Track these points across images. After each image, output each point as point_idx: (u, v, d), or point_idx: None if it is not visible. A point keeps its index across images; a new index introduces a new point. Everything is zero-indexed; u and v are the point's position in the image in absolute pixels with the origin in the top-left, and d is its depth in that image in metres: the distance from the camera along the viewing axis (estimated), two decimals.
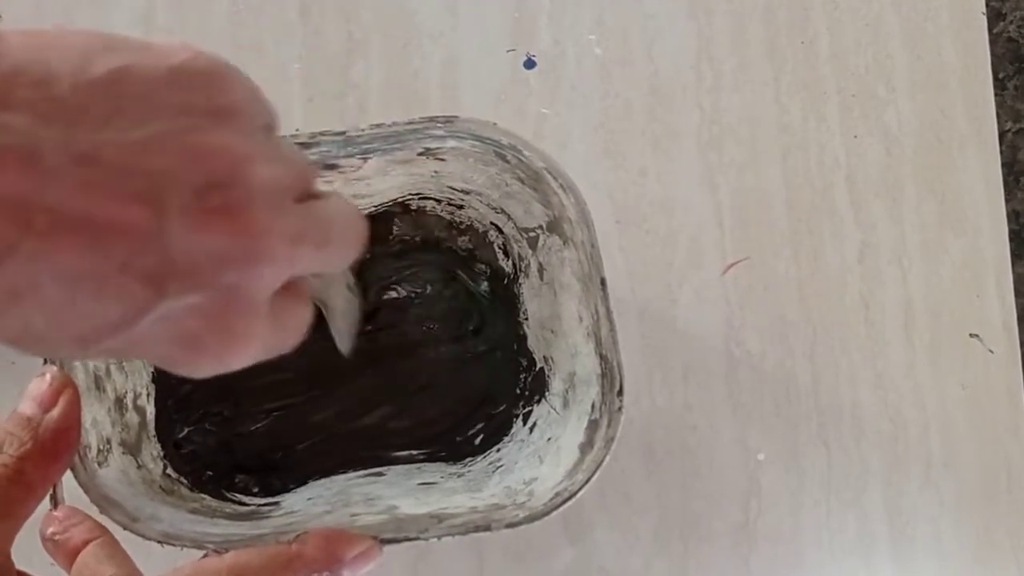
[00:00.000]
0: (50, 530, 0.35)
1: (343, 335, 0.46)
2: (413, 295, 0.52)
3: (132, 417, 0.45)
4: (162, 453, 0.48)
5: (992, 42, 0.58)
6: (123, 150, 0.22)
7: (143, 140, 0.23)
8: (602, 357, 0.40)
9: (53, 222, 0.21)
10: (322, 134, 0.39)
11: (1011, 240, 0.57)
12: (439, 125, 0.39)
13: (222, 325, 0.25)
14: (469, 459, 0.50)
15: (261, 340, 0.26)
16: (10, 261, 0.21)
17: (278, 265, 0.25)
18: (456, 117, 0.39)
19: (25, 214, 0.21)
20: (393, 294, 0.52)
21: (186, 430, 0.50)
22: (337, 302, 0.46)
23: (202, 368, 0.26)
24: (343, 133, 0.39)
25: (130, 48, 0.23)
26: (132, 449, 0.44)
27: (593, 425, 0.41)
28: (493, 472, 0.47)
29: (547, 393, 0.49)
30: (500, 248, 0.51)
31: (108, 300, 0.23)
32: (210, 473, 0.49)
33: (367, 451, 0.51)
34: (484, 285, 0.52)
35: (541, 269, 0.47)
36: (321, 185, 0.30)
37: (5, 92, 0.21)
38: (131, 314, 0.23)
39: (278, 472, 0.50)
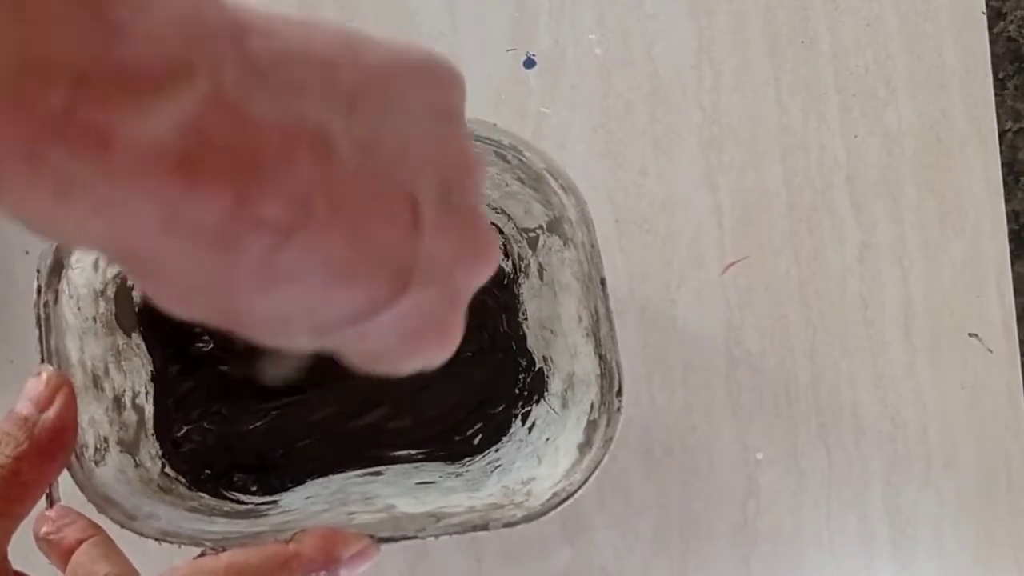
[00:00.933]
0: (44, 529, 0.35)
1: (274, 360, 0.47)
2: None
3: (130, 416, 0.45)
4: (160, 452, 0.48)
5: (992, 42, 0.58)
6: (394, 142, 0.23)
7: (408, 138, 0.23)
8: (601, 357, 0.40)
9: (333, 210, 0.21)
10: None
11: (1011, 240, 0.57)
12: None
13: (444, 321, 0.25)
14: (467, 459, 0.50)
15: (459, 341, 0.27)
16: (289, 243, 0.21)
17: (492, 269, 0.26)
18: None
19: (309, 199, 0.21)
20: None
21: (184, 429, 0.50)
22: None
23: (411, 363, 0.26)
24: None
25: (381, 43, 0.23)
26: (130, 448, 0.44)
27: (592, 425, 0.41)
28: (491, 472, 0.47)
29: (546, 393, 0.49)
30: (500, 248, 0.51)
31: (360, 291, 0.23)
32: (208, 472, 0.49)
33: (365, 450, 0.51)
34: (483, 285, 0.52)
35: (541, 269, 0.47)
36: None
37: (292, 73, 0.21)
38: (377, 306, 0.23)
39: (276, 471, 0.50)
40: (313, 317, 0.23)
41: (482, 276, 0.26)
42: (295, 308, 0.23)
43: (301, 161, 0.21)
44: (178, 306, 0.23)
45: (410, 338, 0.25)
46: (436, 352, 0.26)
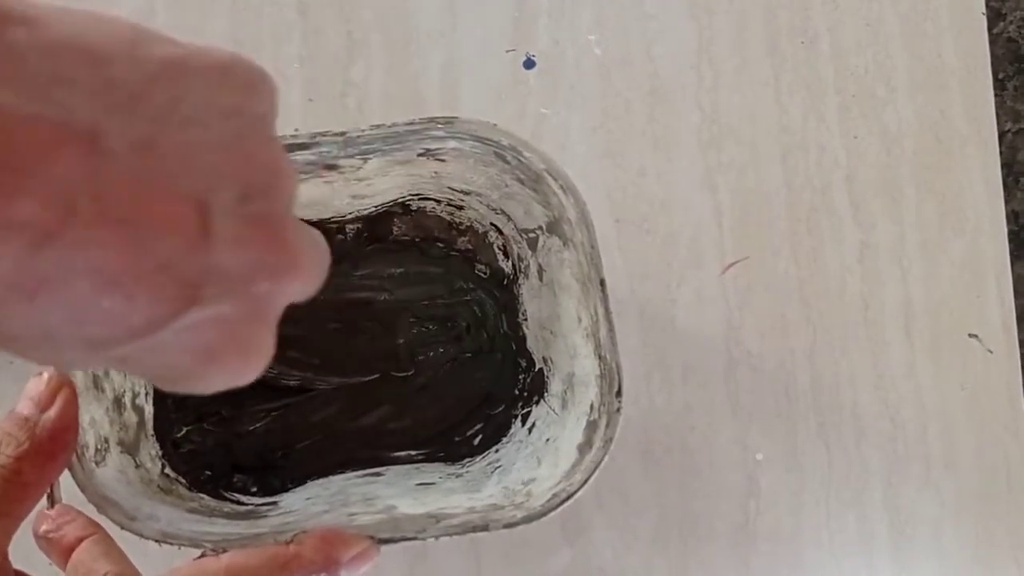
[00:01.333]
0: (43, 528, 0.35)
1: None
2: (412, 296, 0.52)
3: (130, 416, 0.46)
4: (160, 452, 0.48)
5: (992, 42, 0.58)
6: (180, 145, 0.21)
7: (198, 140, 0.22)
8: (601, 358, 0.40)
9: (100, 212, 0.20)
10: (322, 134, 0.39)
11: (1010, 240, 0.57)
12: (439, 126, 0.39)
13: (244, 336, 0.23)
14: (467, 459, 0.50)
15: (269, 358, 0.25)
16: (47, 249, 0.20)
17: (304, 279, 0.24)
18: (456, 118, 0.39)
19: (73, 200, 0.20)
20: (392, 294, 0.52)
21: (184, 430, 0.50)
22: None
23: (210, 383, 0.24)
24: (343, 133, 0.39)
25: (174, 42, 0.22)
26: (130, 448, 0.44)
27: (592, 426, 0.41)
28: (491, 473, 0.47)
29: (546, 394, 0.49)
30: (500, 249, 0.51)
31: (138, 302, 0.21)
32: (208, 473, 0.49)
33: (365, 451, 0.51)
34: (483, 286, 0.52)
35: (541, 270, 0.47)
36: None
37: (59, 66, 0.20)
38: (159, 318, 0.21)
39: (276, 472, 0.50)
40: (83, 332, 0.21)
41: (289, 288, 0.24)
42: (61, 321, 0.21)
43: (62, 159, 0.19)
44: None
45: (205, 356, 0.23)
46: (239, 370, 0.24)
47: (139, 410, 0.47)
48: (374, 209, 0.51)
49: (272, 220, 0.23)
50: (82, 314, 0.21)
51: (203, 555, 0.36)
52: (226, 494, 0.48)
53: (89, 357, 0.22)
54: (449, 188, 0.48)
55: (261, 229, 0.23)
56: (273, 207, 0.23)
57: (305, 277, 0.24)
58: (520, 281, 0.50)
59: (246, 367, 0.24)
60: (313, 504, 0.46)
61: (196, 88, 0.22)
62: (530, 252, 0.48)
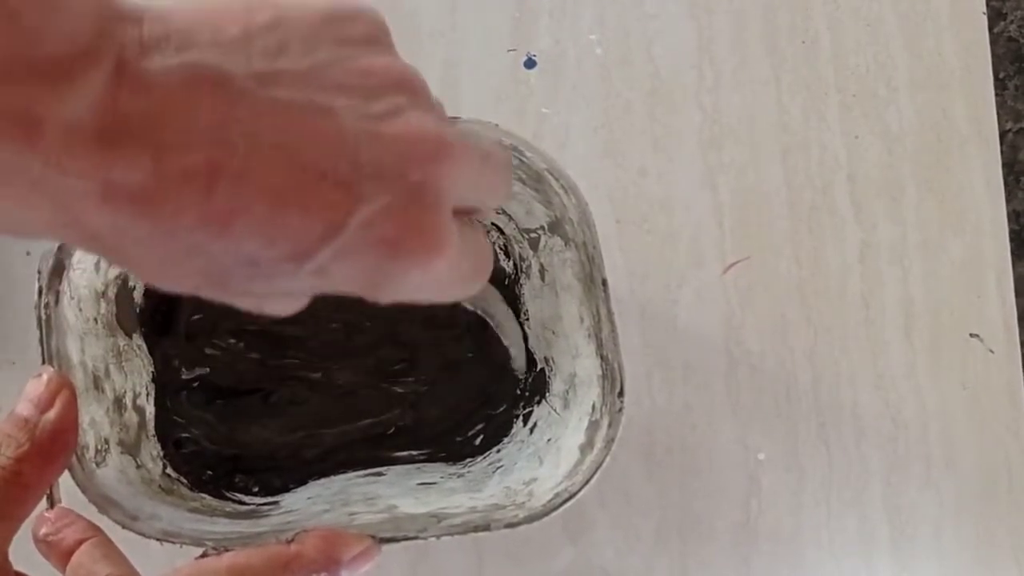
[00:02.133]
0: (43, 531, 0.35)
1: (512, 346, 0.49)
2: None
3: (131, 417, 0.45)
4: (161, 453, 0.48)
5: (993, 42, 0.58)
6: (299, 73, 0.24)
7: (313, 64, 0.24)
8: (603, 358, 0.40)
9: (253, 141, 0.23)
10: None
11: (1011, 240, 0.57)
12: None
13: (416, 222, 0.25)
14: (469, 459, 0.50)
15: (455, 249, 0.27)
16: (220, 183, 0.23)
17: (455, 164, 0.26)
18: (458, 118, 0.39)
19: (226, 137, 0.23)
20: None
21: (186, 430, 0.50)
22: (497, 312, 0.49)
23: (409, 275, 0.26)
24: None
25: (283, 2, 0.25)
26: (131, 449, 0.44)
27: (593, 426, 0.41)
28: (493, 472, 0.47)
29: (547, 394, 0.49)
30: (501, 249, 0.51)
31: (313, 210, 0.24)
32: (210, 473, 0.49)
33: (367, 451, 0.51)
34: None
35: (542, 270, 0.47)
36: None
37: (187, 39, 0.23)
38: (336, 221, 0.24)
39: (278, 472, 0.50)
40: (279, 250, 0.24)
41: (442, 169, 0.26)
42: (258, 245, 0.24)
43: (205, 105, 0.23)
44: (160, 281, 0.25)
45: (388, 248, 0.25)
46: (425, 256, 0.26)
47: (140, 410, 0.47)
48: None
49: (409, 112, 0.26)
50: (271, 233, 0.24)
51: (205, 554, 0.36)
52: (227, 494, 0.48)
53: (294, 275, 0.25)
54: None
55: (392, 125, 0.25)
56: (408, 102, 0.26)
57: (456, 159, 0.26)
58: (522, 281, 0.50)
59: (430, 252, 0.26)
60: (314, 504, 0.46)
61: (299, 32, 0.25)
62: (532, 252, 0.48)
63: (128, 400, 0.45)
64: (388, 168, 0.25)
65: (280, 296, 0.27)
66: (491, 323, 0.49)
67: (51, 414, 0.34)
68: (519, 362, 0.51)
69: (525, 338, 0.51)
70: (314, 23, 0.25)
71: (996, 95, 0.57)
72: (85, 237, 0.23)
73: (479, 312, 0.49)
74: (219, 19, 0.24)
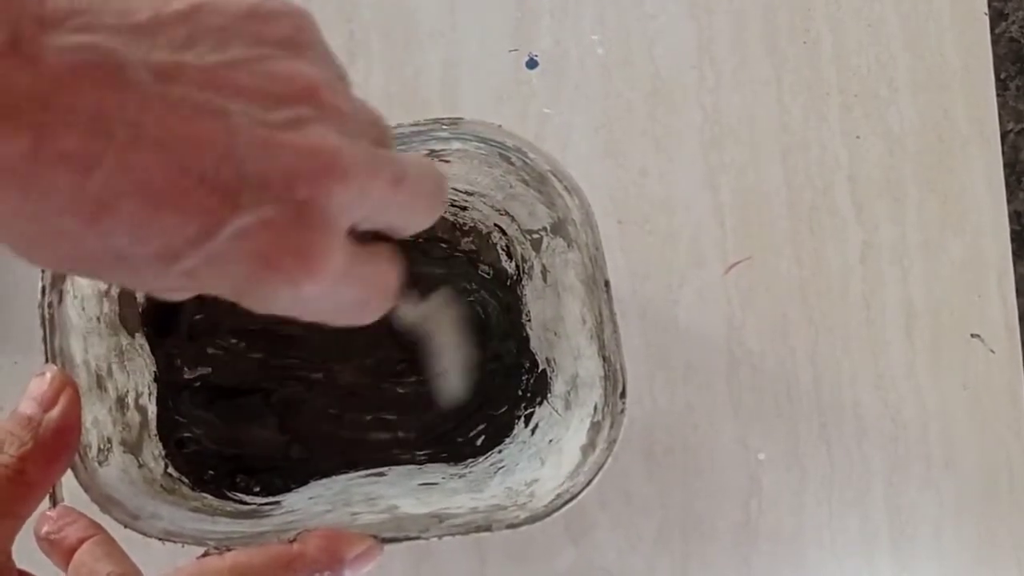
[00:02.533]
0: (45, 529, 0.35)
1: (445, 374, 0.47)
2: (414, 296, 0.52)
3: (133, 416, 0.45)
4: (163, 452, 0.48)
5: (994, 42, 0.58)
6: (201, 70, 0.23)
7: (219, 62, 0.24)
8: (605, 359, 0.40)
9: (135, 135, 0.22)
10: None
11: (1013, 240, 0.57)
12: (444, 127, 0.39)
13: (295, 240, 0.25)
14: (471, 460, 0.50)
15: (334, 275, 0.26)
16: (96, 173, 0.22)
17: (349, 185, 0.25)
18: (461, 119, 0.39)
19: (109, 127, 0.22)
20: None
21: (188, 429, 0.50)
22: (442, 336, 0.46)
23: (278, 292, 0.25)
24: None
25: None
26: (133, 448, 0.44)
27: (595, 427, 0.41)
28: (495, 473, 0.47)
29: (549, 395, 0.49)
30: (503, 250, 0.51)
31: (188, 213, 0.23)
32: (211, 472, 0.49)
33: (368, 451, 0.51)
34: (487, 287, 0.52)
35: (544, 271, 0.47)
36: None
37: (90, 20, 0.22)
38: (210, 226, 0.24)
39: (279, 472, 0.50)
40: (148, 248, 0.24)
41: (333, 188, 0.25)
42: (126, 241, 0.23)
43: (91, 91, 0.22)
44: (30, 260, 0.25)
45: (261, 262, 0.25)
46: (298, 275, 0.25)
47: (142, 410, 0.47)
48: None
49: (303, 126, 0.25)
50: (140, 230, 0.23)
51: (206, 554, 0.36)
52: (229, 493, 0.48)
53: (161, 274, 0.24)
54: (453, 189, 0.48)
55: (288, 136, 0.24)
56: (305, 114, 0.25)
57: (351, 180, 0.25)
58: (524, 282, 0.50)
59: (304, 272, 0.25)
60: (316, 504, 0.46)
61: (216, 24, 0.24)
62: (534, 253, 0.48)
63: (130, 399, 0.45)
64: (274, 181, 0.24)
65: (155, 288, 0.26)
66: (430, 344, 0.46)
67: (54, 412, 0.34)
68: (450, 392, 0.49)
69: (527, 339, 0.51)
70: (233, 17, 0.24)
71: (997, 95, 0.57)
72: None
73: (418, 330, 0.46)
74: (132, 1, 0.23)
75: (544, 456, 0.44)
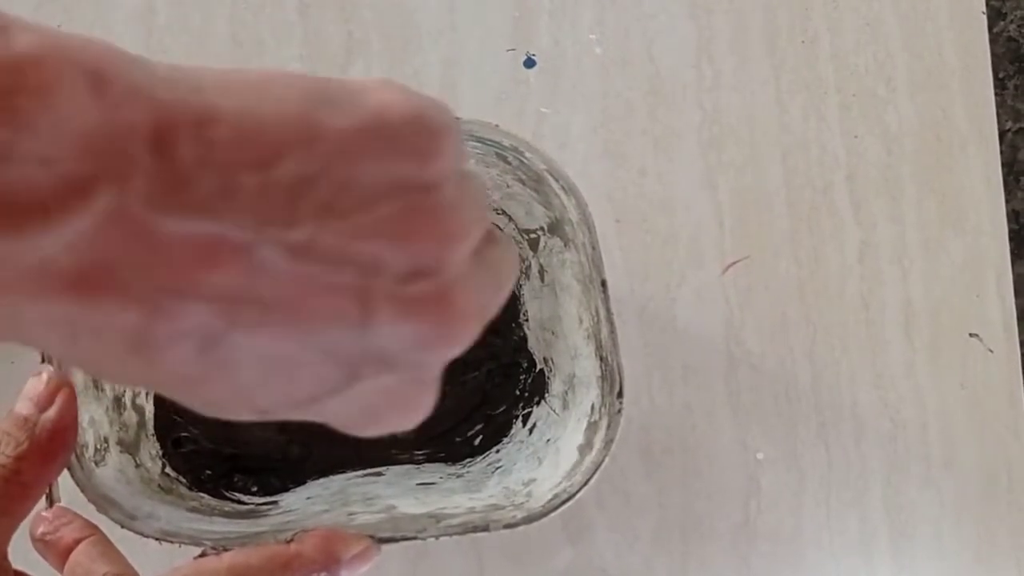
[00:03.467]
0: (40, 530, 0.35)
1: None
2: None
3: (130, 416, 0.45)
4: (161, 452, 0.48)
5: (992, 41, 0.57)
6: (340, 238, 0.21)
7: (362, 224, 0.21)
8: (602, 359, 0.40)
9: (261, 315, 0.21)
10: None
11: (1011, 240, 0.57)
12: None
13: (404, 398, 0.24)
14: (468, 460, 0.50)
15: (428, 412, 0.25)
16: (213, 349, 0.21)
17: (468, 342, 0.24)
18: (458, 119, 0.39)
19: (235, 306, 0.20)
20: None
21: (185, 429, 0.50)
22: None
23: (375, 431, 0.25)
24: None
25: (354, 103, 0.21)
26: (130, 448, 0.44)
27: (592, 427, 0.41)
28: (492, 473, 0.47)
29: (547, 395, 0.49)
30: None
31: (302, 381, 0.22)
32: (209, 472, 0.49)
33: (366, 451, 0.51)
34: None
35: (542, 271, 0.47)
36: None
37: (223, 176, 0.19)
38: (322, 394, 0.23)
39: (277, 472, 0.50)
40: (251, 403, 0.23)
41: (451, 354, 0.23)
42: (228, 397, 0.22)
43: (219, 274, 0.20)
44: (124, 383, 0.24)
45: (367, 417, 0.24)
46: (399, 424, 0.25)
47: (139, 410, 0.47)
48: None
49: (438, 298, 0.22)
50: (249, 391, 0.22)
51: (203, 554, 0.36)
52: (226, 493, 0.48)
53: (253, 418, 0.23)
54: None
55: (426, 301, 0.22)
56: (441, 284, 0.22)
57: (468, 339, 0.23)
58: (521, 282, 0.50)
59: (406, 423, 0.25)
60: (313, 503, 0.45)
61: (365, 168, 0.21)
62: (531, 253, 0.48)
63: (127, 399, 0.45)
64: (399, 349, 0.22)
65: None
66: None
67: (50, 412, 0.34)
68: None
69: (525, 339, 0.51)
70: (385, 152, 0.21)
71: (996, 95, 0.57)
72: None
73: None
74: (276, 144, 0.20)
75: (542, 456, 0.44)
